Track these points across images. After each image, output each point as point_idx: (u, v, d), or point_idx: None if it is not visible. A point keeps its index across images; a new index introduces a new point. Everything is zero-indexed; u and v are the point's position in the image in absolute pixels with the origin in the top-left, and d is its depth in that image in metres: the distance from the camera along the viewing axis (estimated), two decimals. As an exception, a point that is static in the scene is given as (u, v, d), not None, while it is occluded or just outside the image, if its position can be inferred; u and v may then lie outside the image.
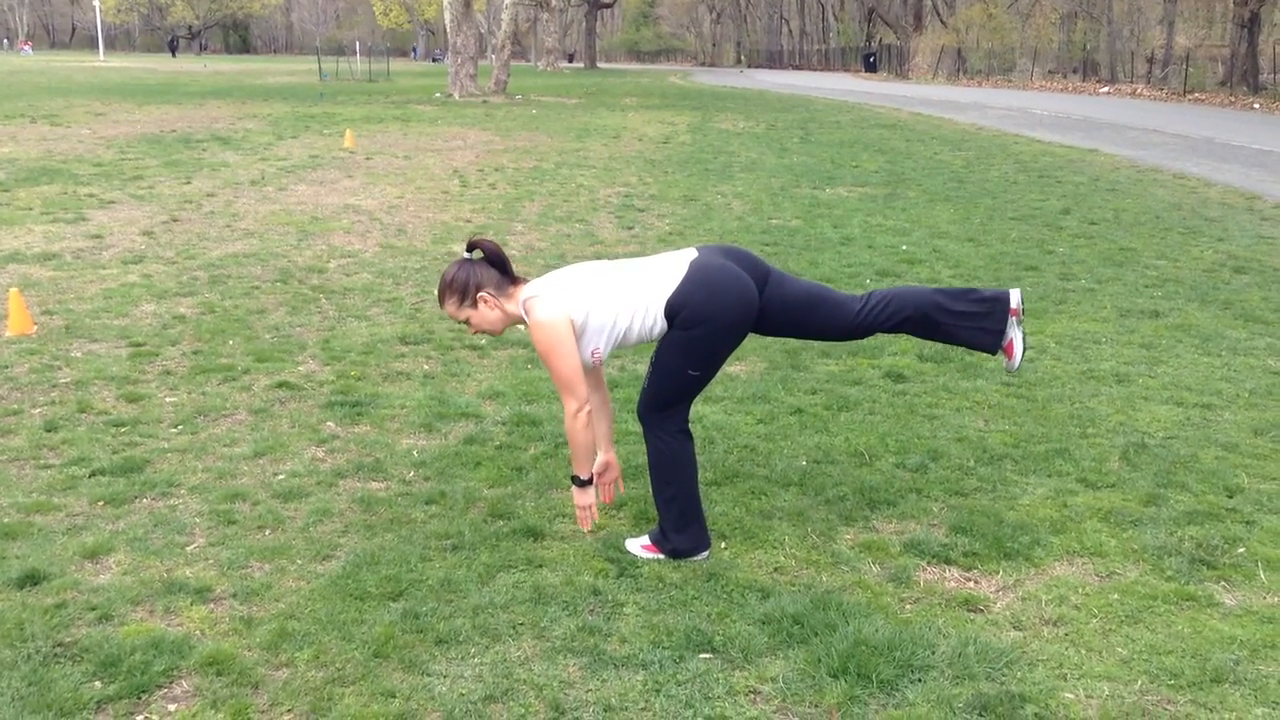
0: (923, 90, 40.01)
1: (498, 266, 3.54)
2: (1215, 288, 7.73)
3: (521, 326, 3.61)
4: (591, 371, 3.62)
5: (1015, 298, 3.67)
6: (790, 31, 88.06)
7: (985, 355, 5.97)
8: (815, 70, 69.61)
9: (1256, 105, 29.66)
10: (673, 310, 3.44)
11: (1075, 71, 46.64)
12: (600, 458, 3.78)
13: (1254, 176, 14.08)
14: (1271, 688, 2.96)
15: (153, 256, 8.30)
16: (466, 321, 3.57)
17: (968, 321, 3.65)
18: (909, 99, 33.09)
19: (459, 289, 3.52)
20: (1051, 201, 11.80)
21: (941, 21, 57.84)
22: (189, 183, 12.32)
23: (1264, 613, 3.35)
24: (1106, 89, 38.98)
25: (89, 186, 11.81)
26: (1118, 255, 8.85)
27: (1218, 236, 9.72)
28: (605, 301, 3.47)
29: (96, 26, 79.25)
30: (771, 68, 76.98)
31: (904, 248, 9.09)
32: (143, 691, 2.85)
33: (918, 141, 18.77)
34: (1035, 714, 2.83)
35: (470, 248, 3.57)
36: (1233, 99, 31.75)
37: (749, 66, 79.02)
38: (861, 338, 3.80)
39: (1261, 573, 3.60)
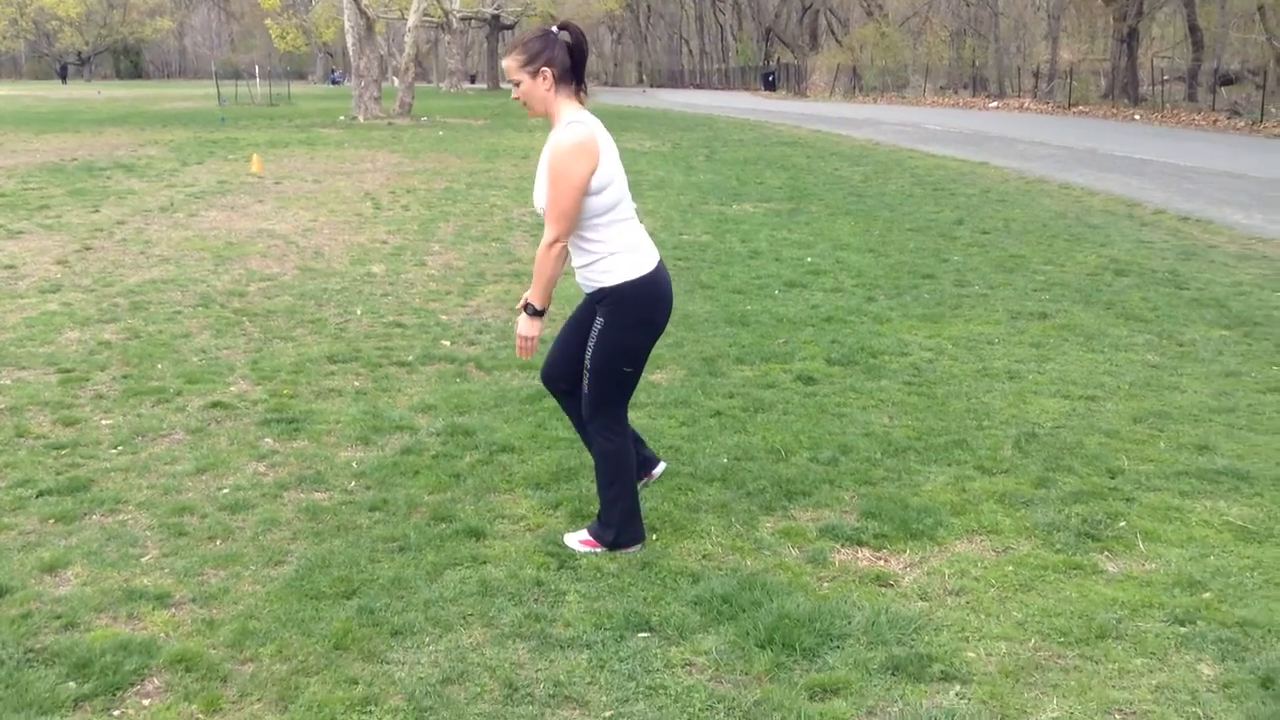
0: (820, 108, 40.97)
1: (575, 58, 3.65)
2: (1098, 290, 8.25)
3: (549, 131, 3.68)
4: None
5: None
6: (690, 51, 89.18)
7: (888, 357, 6.37)
8: (716, 89, 70.62)
9: (1137, 116, 31.03)
10: (620, 294, 3.67)
11: (965, 87, 48.13)
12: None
13: (1134, 185, 14.86)
14: (1150, 640, 3.32)
15: (70, 285, 8.32)
16: (516, 84, 3.65)
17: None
18: (808, 116, 33.90)
19: (531, 53, 3.61)
20: (946, 213, 12.35)
21: (837, 40, 59.20)
22: (97, 211, 12.25)
23: (1142, 578, 3.73)
24: (995, 104, 40.35)
25: (-6, 217, 11.68)
26: (1008, 262, 9.36)
27: (1100, 242, 10.31)
28: (615, 200, 3.64)
29: (-19, 53, 77.05)
30: (673, 87, 77.86)
31: (809, 260, 9.49)
32: (117, 689, 3.02)
33: (818, 158, 19.35)
34: (941, 671, 3.15)
35: (562, 26, 3.66)
36: (1114, 111, 33.16)
37: (651, 86, 79.86)
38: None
39: (1140, 543, 3.99)
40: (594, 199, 3.62)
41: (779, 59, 65.58)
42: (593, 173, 3.58)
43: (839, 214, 12.33)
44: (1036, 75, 42.53)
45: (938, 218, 11.98)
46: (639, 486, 4.05)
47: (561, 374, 3.99)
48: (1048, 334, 6.96)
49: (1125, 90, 35.41)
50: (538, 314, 3.76)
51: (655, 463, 4.23)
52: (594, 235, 3.67)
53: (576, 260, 3.77)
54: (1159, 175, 16.15)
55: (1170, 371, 6.13)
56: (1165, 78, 36.00)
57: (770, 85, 60.74)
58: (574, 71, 3.66)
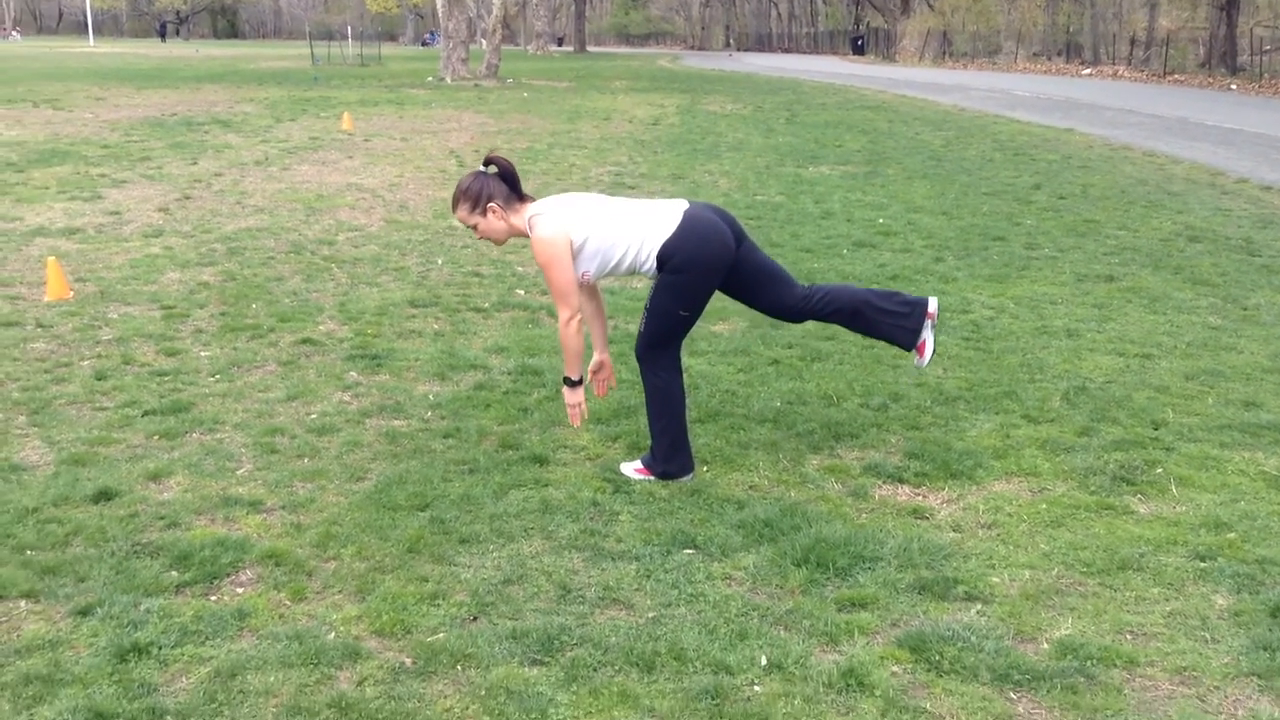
0: (909, 73, 40.49)
1: (509, 183, 4.04)
2: (1169, 255, 8.27)
3: (525, 239, 4.08)
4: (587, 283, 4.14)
5: (933, 304, 4.27)
6: (779, 15, 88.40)
7: (949, 314, 6.51)
8: (804, 53, 70.02)
9: (1233, 86, 30.23)
10: (666, 254, 3.96)
11: (1059, 54, 47.17)
12: (595, 357, 4.34)
13: (1221, 154, 14.63)
14: (1169, 573, 3.50)
15: (171, 230, 8.80)
16: (474, 227, 4.07)
17: (890, 319, 4.24)
18: (895, 81, 33.57)
19: (472, 197, 4.02)
20: (1024, 178, 12.33)
21: (929, 4, 58.27)
22: (195, 163, 12.80)
23: (1171, 518, 3.90)
24: (1089, 71, 39.52)
25: (99, 167, 12.28)
26: (1081, 226, 9.39)
27: (1178, 209, 10.26)
28: (603, 231, 3.97)
29: (85, 12, 79.25)
30: (760, 51, 77.35)
31: (880, 221, 9.62)
32: (214, 578, 3.38)
33: (900, 122, 19.28)
34: (965, 592, 3.37)
35: (487, 162, 4.05)
36: (1210, 80, 32.33)
37: (738, 50, 79.38)
38: (796, 321, 4.44)
39: (1174, 488, 4.15)
40: (588, 250, 3.95)
41: (869, 23, 64.76)
42: (568, 245, 3.92)
43: (916, 177, 12.39)
44: (1133, 43, 41.54)
45: (1015, 182, 11.98)
46: (927, 328, 4.20)
47: (786, 306, 4.23)
48: (1112, 296, 7.05)
49: (1223, 59, 34.48)
50: (575, 384, 4.11)
51: (924, 300, 4.23)
52: (616, 254, 3.99)
53: (627, 273, 4.06)
54: (1248, 145, 15.86)
55: (1230, 334, 6.20)
56: (1266, 48, 34.94)
57: (859, 49, 60.05)
58: (513, 191, 4.02)
